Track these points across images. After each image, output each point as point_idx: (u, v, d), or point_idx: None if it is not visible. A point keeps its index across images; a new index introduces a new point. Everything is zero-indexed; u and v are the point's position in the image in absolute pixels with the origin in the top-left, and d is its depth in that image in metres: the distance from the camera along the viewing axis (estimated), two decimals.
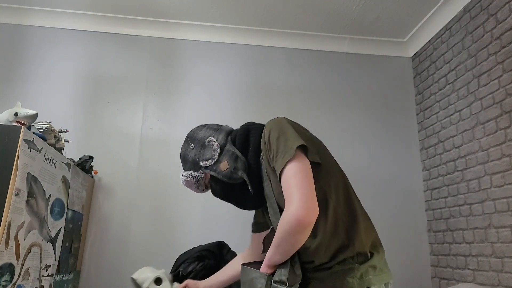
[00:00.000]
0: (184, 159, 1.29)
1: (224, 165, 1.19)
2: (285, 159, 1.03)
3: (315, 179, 1.03)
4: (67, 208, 1.99)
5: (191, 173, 1.25)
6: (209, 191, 1.30)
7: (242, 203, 1.25)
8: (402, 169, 2.66)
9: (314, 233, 1.04)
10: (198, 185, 1.26)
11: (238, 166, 1.18)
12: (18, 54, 2.63)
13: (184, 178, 1.26)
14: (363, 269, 1.03)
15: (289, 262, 1.07)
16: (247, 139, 1.23)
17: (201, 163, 1.23)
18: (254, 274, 1.10)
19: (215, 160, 1.21)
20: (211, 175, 1.23)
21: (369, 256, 1.05)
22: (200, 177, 1.25)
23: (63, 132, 2.03)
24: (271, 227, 1.22)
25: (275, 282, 1.06)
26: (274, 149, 1.08)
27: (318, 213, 0.98)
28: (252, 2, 2.50)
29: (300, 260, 1.09)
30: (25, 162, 1.52)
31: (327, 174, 1.10)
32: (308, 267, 1.11)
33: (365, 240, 1.07)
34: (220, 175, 1.20)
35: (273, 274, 1.08)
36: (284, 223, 1.00)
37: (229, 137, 1.26)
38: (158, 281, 1.52)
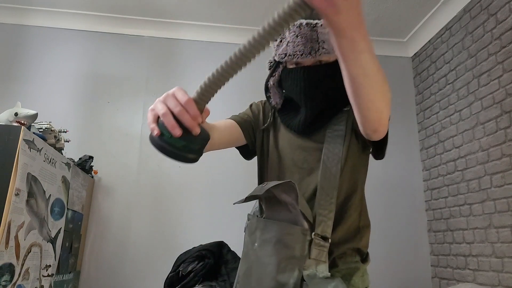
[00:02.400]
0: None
1: None
2: None
3: (366, 164, 1.18)
4: (67, 208, 1.99)
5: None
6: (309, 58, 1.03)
7: (313, 104, 1.07)
8: (402, 169, 2.66)
9: (354, 212, 1.06)
10: (320, 43, 0.99)
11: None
12: (18, 54, 2.63)
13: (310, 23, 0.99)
14: (364, 267, 1.03)
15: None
16: None
17: None
18: (286, 230, 0.91)
19: None
20: (330, 70, 1.03)
21: (366, 257, 1.07)
22: (328, 48, 0.99)
23: (63, 132, 2.03)
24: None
25: (317, 236, 0.90)
26: None
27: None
28: (252, 2, 2.50)
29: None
30: (25, 162, 1.52)
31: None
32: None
33: (368, 241, 1.08)
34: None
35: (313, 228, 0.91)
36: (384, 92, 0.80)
37: None
38: None
